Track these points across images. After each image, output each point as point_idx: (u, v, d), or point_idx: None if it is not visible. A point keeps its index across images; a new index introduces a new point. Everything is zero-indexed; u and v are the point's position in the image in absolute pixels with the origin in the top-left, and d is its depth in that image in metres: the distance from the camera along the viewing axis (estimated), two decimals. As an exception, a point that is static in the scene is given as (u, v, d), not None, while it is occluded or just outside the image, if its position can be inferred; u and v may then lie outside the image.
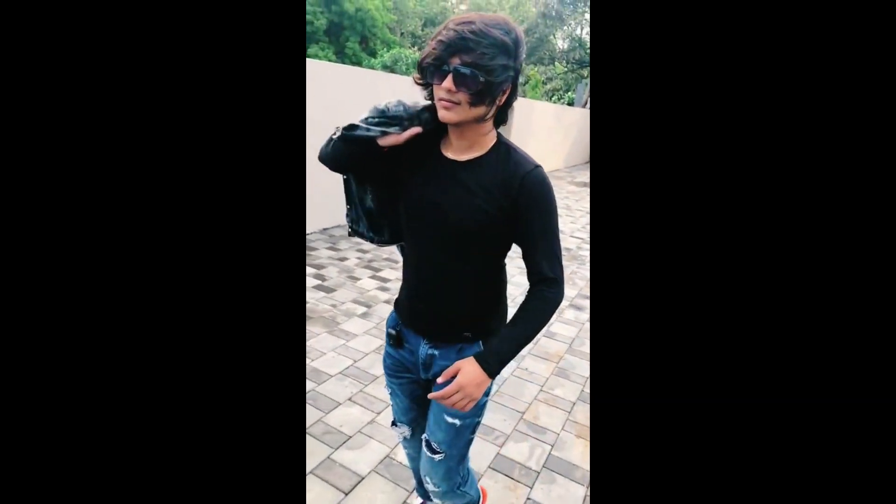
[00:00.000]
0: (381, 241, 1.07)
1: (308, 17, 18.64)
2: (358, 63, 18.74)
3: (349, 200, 1.04)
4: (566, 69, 19.12)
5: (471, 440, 1.08)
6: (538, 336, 2.76)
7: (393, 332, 1.08)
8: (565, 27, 19.61)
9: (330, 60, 18.34)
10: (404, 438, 1.23)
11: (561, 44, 20.72)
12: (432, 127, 0.90)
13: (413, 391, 1.14)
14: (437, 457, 1.05)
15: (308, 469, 1.62)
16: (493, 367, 0.85)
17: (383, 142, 0.88)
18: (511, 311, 0.96)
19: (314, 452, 1.70)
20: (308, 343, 2.45)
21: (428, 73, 0.83)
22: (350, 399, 2.03)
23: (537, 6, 22.20)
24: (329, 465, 1.65)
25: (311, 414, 1.90)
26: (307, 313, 2.76)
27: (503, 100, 0.86)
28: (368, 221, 1.04)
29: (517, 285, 3.17)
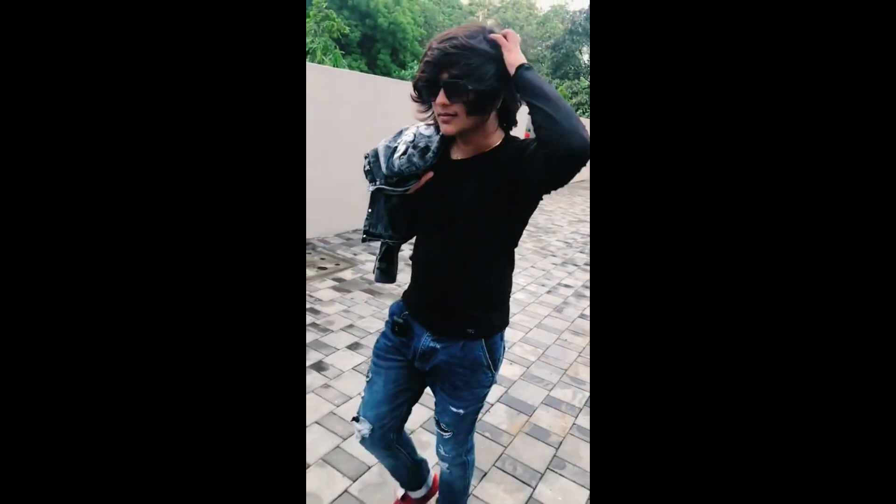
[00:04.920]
0: (398, 237, 1.10)
1: (343, 30, 19.56)
2: (388, 73, 19.47)
3: (373, 204, 1.08)
4: (591, 84, 19.46)
5: (475, 420, 1.17)
6: (575, 316, 3.15)
7: (399, 319, 1.10)
8: (591, 43, 19.98)
9: (362, 71, 19.11)
10: (363, 437, 1.15)
11: (587, 59, 21.18)
12: (439, 158, 0.99)
13: (397, 377, 1.13)
14: (446, 434, 1.16)
15: (399, 394, 2.05)
16: (528, 64, 0.84)
17: (409, 192, 1.01)
18: (513, 312, 1.18)
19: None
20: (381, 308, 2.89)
21: (422, 92, 0.90)
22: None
23: (564, 22, 22.73)
24: (414, 393, 2.07)
25: (393, 359, 2.34)
26: (374, 285, 3.21)
27: (499, 102, 0.90)
28: (390, 219, 1.06)
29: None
